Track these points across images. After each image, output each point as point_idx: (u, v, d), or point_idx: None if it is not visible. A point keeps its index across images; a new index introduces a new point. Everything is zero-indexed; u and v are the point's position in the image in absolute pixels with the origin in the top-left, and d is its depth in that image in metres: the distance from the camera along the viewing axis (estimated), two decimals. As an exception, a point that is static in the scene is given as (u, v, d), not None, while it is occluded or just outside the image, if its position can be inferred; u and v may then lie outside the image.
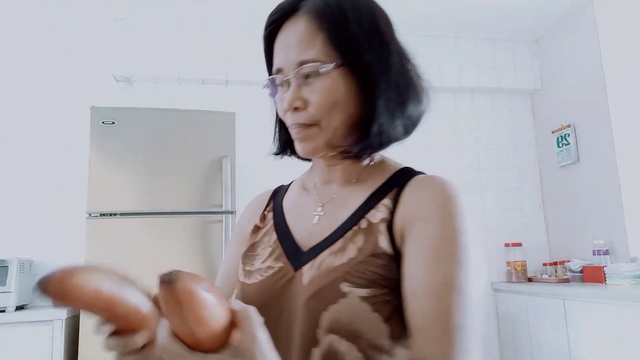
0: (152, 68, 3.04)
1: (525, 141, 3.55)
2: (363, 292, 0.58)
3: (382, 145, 0.71)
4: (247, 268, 0.73)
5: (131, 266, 2.27)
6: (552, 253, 3.39)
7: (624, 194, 2.77)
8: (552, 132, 3.34)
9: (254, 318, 0.46)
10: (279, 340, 0.59)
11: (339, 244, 0.65)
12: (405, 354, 0.59)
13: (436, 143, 3.40)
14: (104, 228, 2.32)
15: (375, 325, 0.57)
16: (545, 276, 3.08)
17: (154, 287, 0.45)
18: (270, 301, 0.65)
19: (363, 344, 0.57)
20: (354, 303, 0.58)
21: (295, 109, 0.67)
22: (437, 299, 0.56)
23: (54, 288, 0.44)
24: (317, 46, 0.65)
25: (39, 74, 2.89)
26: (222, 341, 0.43)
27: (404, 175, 0.71)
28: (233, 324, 0.44)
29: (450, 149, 3.43)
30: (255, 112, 3.09)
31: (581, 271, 2.84)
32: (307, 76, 0.66)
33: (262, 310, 0.63)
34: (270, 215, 0.79)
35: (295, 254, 0.68)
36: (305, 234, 0.71)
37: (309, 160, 0.80)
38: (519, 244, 3.24)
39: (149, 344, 0.54)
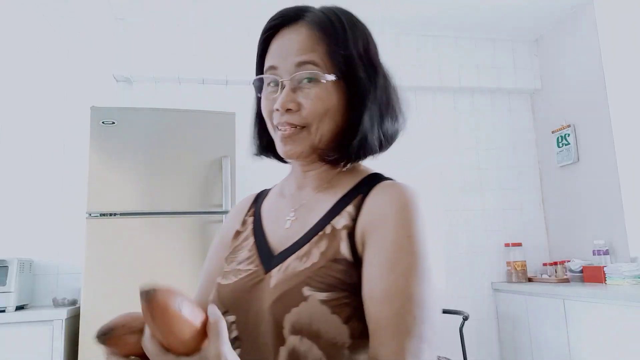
0: (152, 68, 3.04)
1: (525, 141, 3.55)
2: (323, 295, 0.61)
3: (359, 157, 0.75)
4: (225, 269, 0.77)
5: (131, 266, 2.27)
6: (552, 253, 3.39)
7: (624, 194, 2.77)
8: (552, 132, 3.34)
9: (222, 331, 0.50)
10: (250, 339, 0.65)
11: (305, 248, 0.68)
12: (364, 351, 0.62)
13: (436, 143, 3.41)
14: (104, 228, 2.32)
15: (334, 326, 0.60)
16: (545, 276, 3.08)
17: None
18: (241, 301, 0.69)
19: (323, 343, 0.60)
20: (314, 306, 0.61)
21: (287, 110, 0.69)
22: (390, 305, 0.59)
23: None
24: (318, 53, 0.69)
25: (39, 74, 2.89)
26: (193, 347, 0.49)
27: (371, 182, 0.73)
28: (206, 332, 0.50)
29: (450, 149, 3.43)
30: (255, 112, 3.08)
31: (581, 271, 2.84)
32: (302, 82, 0.70)
33: (235, 310, 0.67)
34: (250, 220, 0.82)
35: (268, 258, 0.72)
36: (278, 238, 0.74)
37: (287, 162, 0.82)
38: (519, 244, 3.24)
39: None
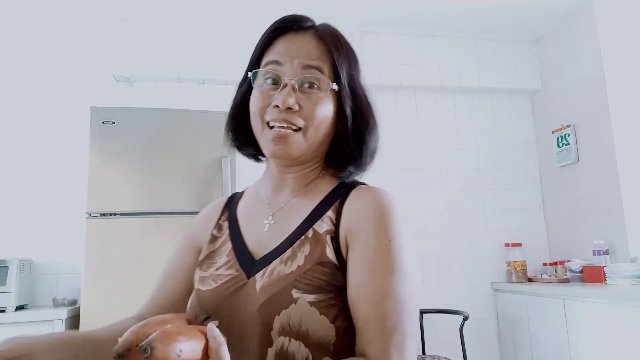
0: (152, 68, 3.04)
1: (525, 141, 3.55)
2: (311, 297, 0.64)
3: (367, 170, 0.80)
4: (202, 274, 0.77)
5: (131, 266, 2.27)
6: (552, 253, 3.39)
7: (624, 194, 2.77)
8: (552, 132, 3.34)
9: (225, 358, 0.51)
10: (233, 342, 0.66)
11: (288, 252, 0.70)
12: (347, 347, 0.65)
13: (436, 143, 3.41)
14: (104, 228, 2.32)
15: (323, 326, 0.64)
16: (545, 276, 3.08)
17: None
18: (224, 306, 0.69)
19: (311, 342, 0.63)
20: (304, 308, 0.64)
21: (288, 109, 0.70)
22: (377, 306, 0.63)
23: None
24: (325, 64, 0.73)
25: (39, 73, 2.89)
26: None
27: (346, 186, 0.76)
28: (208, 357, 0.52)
29: (451, 149, 3.43)
30: (255, 112, 3.08)
31: (581, 271, 2.84)
32: (306, 86, 0.71)
33: (218, 315, 0.68)
34: (226, 224, 0.82)
35: (248, 262, 0.73)
36: (257, 242, 0.75)
37: (259, 160, 0.83)
38: (519, 244, 3.24)
39: None
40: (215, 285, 0.72)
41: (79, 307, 2.26)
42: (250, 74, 0.75)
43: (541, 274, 3.16)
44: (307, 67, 0.71)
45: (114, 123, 2.41)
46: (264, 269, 0.70)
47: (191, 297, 0.76)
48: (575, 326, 2.50)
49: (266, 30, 0.76)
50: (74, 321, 2.31)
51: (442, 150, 3.41)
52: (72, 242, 2.70)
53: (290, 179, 0.78)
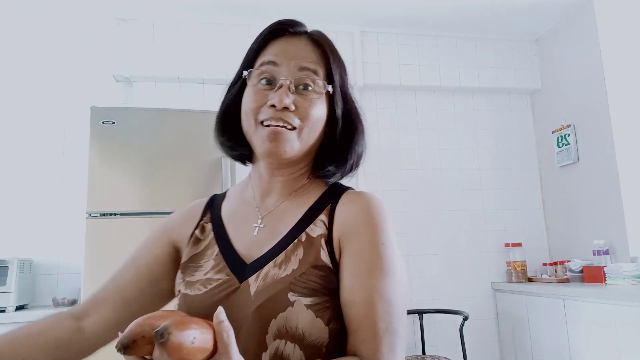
0: (152, 68, 3.04)
1: (525, 141, 3.55)
2: (307, 300, 0.65)
3: (351, 174, 0.80)
4: (188, 279, 0.75)
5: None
6: (552, 253, 3.39)
7: (624, 194, 2.77)
8: (552, 132, 3.34)
9: (231, 344, 0.51)
10: None
11: (281, 256, 0.70)
12: (339, 348, 0.67)
13: (436, 143, 3.41)
14: (103, 228, 2.32)
15: (318, 329, 0.65)
16: (545, 276, 3.08)
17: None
18: (214, 311, 0.68)
19: (306, 345, 0.64)
20: (301, 311, 0.65)
21: (284, 108, 0.70)
22: (371, 308, 0.65)
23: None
24: (320, 67, 0.75)
25: (39, 73, 2.89)
26: None
27: (335, 190, 0.78)
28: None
29: (451, 149, 3.43)
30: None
31: (581, 271, 2.84)
32: (301, 87, 0.72)
33: (207, 319, 0.65)
34: (209, 226, 0.81)
35: (238, 266, 0.72)
36: (246, 245, 0.75)
37: (244, 163, 0.84)
38: (519, 244, 3.24)
39: None
40: (205, 289, 0.71)
41: (79, 307, 2.25)
42: (245, 73, 0.75)
43: (541, 274, 3.17)
44: (304, 69, 0.72)
45: (114, 123, 2.41)
46: (257, 273, 0.70)
47: (178, 302, 0.75)
48: (575, 326, 2.50)
49: (262, 32, 0.76)
50: (74, 321, 2.31)
51: (442, 150, 3.41)
52: (72, 242, 2.70)
53: (280, 182, 0.78)
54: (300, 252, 0.70)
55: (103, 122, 2.40)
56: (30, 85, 2.86)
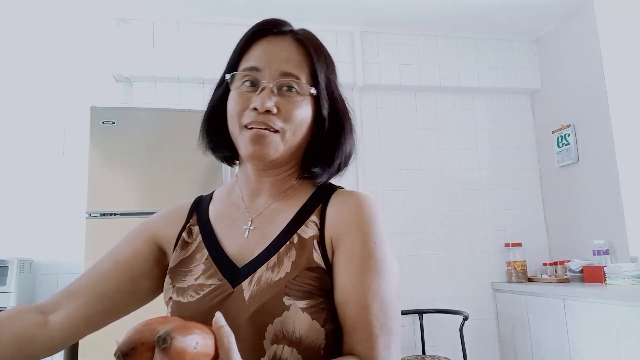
0: (152, 68, 3.04)
1: (525, 141, 3.55)
2: (303, 303, 0.65)
3: (338, 174, 0.79)
4: (178, 285, 0.73)
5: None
6: (552, 253, 3.39)
7: (624, 194, 2.77)
8: (552, 132, 3.34)
9: (232, 349, 0.50)
10: None
11: (274, 259, 0.70)
12: (335, 349, 0.67)
13: (436, 143, 3.41)
14: (103, 228, 2.32)
15: (315, 331, 0.65)
16: (545, 276, 3.08)
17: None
18: (209, 318, 0.65)
19: (303, 348, 0.64)
20: (297, 314, 0.64)
21: (267, 111, 0.69)
22: (365, 308, 0.65)
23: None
24: (303, 69, 0.73)
25: (39, 73, 2.89)
26: None
27: (326, 191, 0.77)
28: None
29: (450, 149, 3.43)
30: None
31: (581, 271, 2.84)
32: (284, 89, 0.71)
33: None
34: (196, 229, 0.79)
35: (230, 270, 0.71)
36: (237, 248, 0.73)
37: (231, 165, 0.83)
38: (519, 244, 3.24)
39: None
40: (198, 296, 0.70)
41: (79, 307, 2.25)
42: (228, 76, 0.75)
43: (541, 274, 3.17)
44: (285, 74, 0.71)
45: (114, 123, 2.41)
46: (250, 277, 0.69)
47: (169, 310, 0.73)
48: (575, 326, 2.50)
49: (245, 33, 0.76)
50: (74, 321, 2.31)
51: (442, 150, 3.41)
52: (72, 242, 2.70)
53: (268, 183, 0.77)
54: (292, 255, 0.69)
55: (103, 122, 2.40)
56: (31, 85, 2.86)
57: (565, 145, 3.22)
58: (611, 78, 2.87)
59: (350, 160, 0.80)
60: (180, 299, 0.71)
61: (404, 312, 3.06)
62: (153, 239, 0.80)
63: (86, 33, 2.98)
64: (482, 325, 3.24)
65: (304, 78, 0.72)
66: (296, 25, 0.79)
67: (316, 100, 0.75)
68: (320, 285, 0.67)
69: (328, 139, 0.76)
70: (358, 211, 0.71)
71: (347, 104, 0.80)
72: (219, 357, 0.50)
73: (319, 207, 0.74)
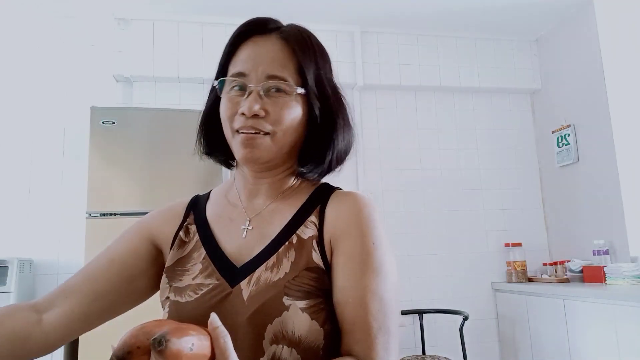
0: (152, 68, 3.04)
1: (525, 141, 3.55)
2: (302, 303, 0.65)
3: (333, 170, 0.78)
4: (175, 284, 0.73)
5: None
6: (552, 253, 3.39)
7: (624, 194, 2.77)
8: (552, 132, 3.34)
9: (229, 350, 0.50)
10: None
11: (273, 259, 0.70)
12: (333, 349, 0.67)
13: (436, 143, 3.41)
14: (103, 228, 2.32)
15: (314, 331, 0.65)
16: (545, 276, 3.08)
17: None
18: (207, 318, 0.64)
19: (302, 348, 0.64)
20: (296, 314, 0.64)
21: (254, 115, 0.69)
22: (364, 308, 0.65)
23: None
24: (289, 69, 0.72)
25: (39, 73, 2.89)
26: None
27: (324, 191, 0.77)
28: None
29: (450, 149, 3.43)
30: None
31: (581, 271, 2.84)
32: (271, 91, 0.70)
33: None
34: (193, 228, 0.78)
35: (228, 270, 0.71)
36: (235, 248, 0.73)
37: (229, 167, 0.82)
38: (519, 244, 3.24)
39: None
40: (197, 296, 0.69)
41: (79, 307, 2.25)
42: (216, 83, 0.75)
43: (541, 274, 3.17)
44: (271, 77, 0.70)
45: (114, 123, 2.41)
46: (249, 277, 0.68)
47: (167, 310, 0.72)
48: (575, 326, 2.50)
49: (231, 36, 0.75)
50: (74, 321, 2.31)
51: (442, 150, 3.41)
52: (72, 242, 2.70)
53: (266, 184, 0.77)
54: (292, 255, 0.69)
55: (103, 122, 2.41)
56: (31, 85, 2.86)
57: (565, 145, 3.22)
58: (611, 78, 2.87)
59: (345, 158, 0.79)
60: (178, 298, 0.71)
61: (404, 312, 3.06)
62: (149, 238, 0.79)
63: (86, 33, 2.98)
64: (482, 325, 3.24)
65: (290, 78, 0.71)
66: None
67: (307, 99, 0.74)
68: (319, 286, 0.67)
69: (319, 136, 0.75)
70: (357, 212, 0.71)
71: (342, 99, 0.79)
72: (215, 358, 0.50)
73: (318, 208, 0.74)
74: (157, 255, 0.79)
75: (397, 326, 0.68)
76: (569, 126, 3.19)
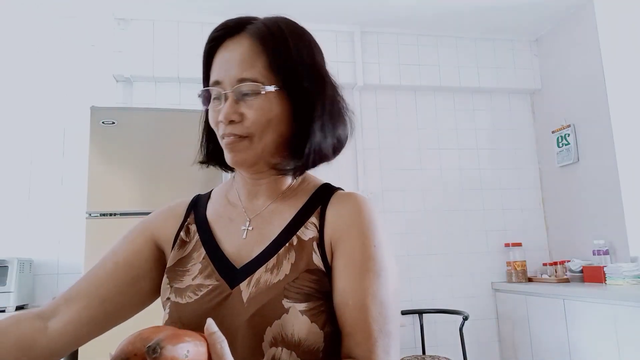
0: (152, 68, 3.04)
1: (525, 141, 3.55)
2: (302, 306, 0.65)
3: (314, 164, 0.75)
4: (176, 285, 0.73)
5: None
6: (552, 253, 3.39)
7: (624, 194, 2.77)
8: (552, 132, 3.34)
9: (226, 355, 0.50)
10: None
11: (273, 260, 0.69)
12: (333, 351, 0.66)
13: (436, 143, 3.41)
14: (103, 228, 2.32)
15: (314, 334, 0.64)
16: (545, 276, 3.08)
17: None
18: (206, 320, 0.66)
19: (302, 350, 0.64)
20: (296, 317, 0.64)
21: (231, 121, 0.70)
22: (365, 311, 0.65)
23: None
24: (258, 67, 0.70)
25: (39, 73, 2.89)
26: None
27: (325, 192, 0.76)
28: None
29: (451, 149, 3.43)
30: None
31: (581, 271, 2.84)
32: (245, 94, 0.70)
33: (201, 328, 0.63)
34: (194, 228, 0.78)
35: (228, 271, 0.70)
36: (235, 249, 0.73)
37: (233, 170, 0.81)
38: (519, 244, 3.24)
39: None
40: (197, 297, 0.69)
41: (79, 307, 2.25)
42: (198, 95, 0.76)
43: (541, 274, 3.17)
44: (241, 80, 0.70)
45: (114, 123, 2.41)
46: (249, 278, 0.68)
47: (167, 311, 0.72)
48: (575, 326, 2.50)
49: (205, 44, 0.76)
50: (74, 321, 2.31)
51: (442, 150, 3.41)
52: (72, 242, 2.70)
53: (264, 184, 0.77)
54: (292, 256, 0.69)
55: (103, 122, 2.40)
56: (31, 85, 2.86)
57: (565, 145, 3.22)
58: (611, 78, 2.88)
59: (332, 152, 0.75)
60: (179, 299, 0.71)
61: (404, 312, 3.06)
62: (152, 239, 0.79)
63: (86, 33, 2.98)
64: (482, 325, 3.24)
65: (261, 76, 0.69)
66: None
67: (286, 95, 0.71)
68: (319, 288, 0.67)
69: (299, 131, 0.72)
70: (357, 214, 0.70)
71: (328, 86, 0.74)
72: None
73: (319, 209, 0.73)
74: (160, 256, 0.79)
75: (398, 329, 0.67)
76: (569, 126, 3.19)
